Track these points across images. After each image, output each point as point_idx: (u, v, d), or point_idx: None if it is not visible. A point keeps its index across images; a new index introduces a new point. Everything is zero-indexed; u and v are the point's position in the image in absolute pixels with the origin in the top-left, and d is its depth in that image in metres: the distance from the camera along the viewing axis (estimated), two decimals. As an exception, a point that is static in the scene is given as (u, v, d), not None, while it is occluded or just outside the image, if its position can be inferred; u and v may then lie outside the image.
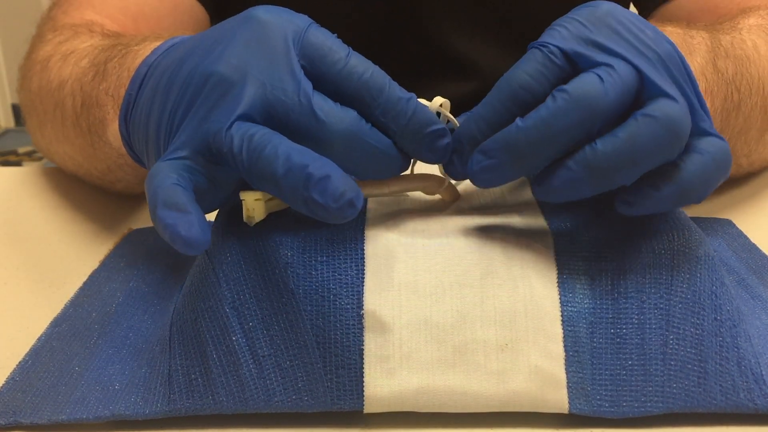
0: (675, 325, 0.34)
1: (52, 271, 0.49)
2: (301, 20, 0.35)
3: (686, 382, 0.34)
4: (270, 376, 0.34)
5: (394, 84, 0.34)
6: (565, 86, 0.32)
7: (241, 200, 0.35)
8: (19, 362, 0.38)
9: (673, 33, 0.48)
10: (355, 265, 0.35)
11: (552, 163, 0.33)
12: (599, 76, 0.32)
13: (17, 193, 0.62)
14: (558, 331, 0.34)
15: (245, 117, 0.33)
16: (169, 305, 0.42)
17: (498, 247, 0.35)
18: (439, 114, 0.36)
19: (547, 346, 0.34)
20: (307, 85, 0.33)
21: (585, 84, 0.32)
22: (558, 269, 0.35)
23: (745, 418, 0.35)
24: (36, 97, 0.57)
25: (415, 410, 0.34)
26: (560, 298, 0.35)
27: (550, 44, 0.33)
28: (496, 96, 0.34)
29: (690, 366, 0.34)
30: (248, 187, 0.35)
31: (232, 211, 0.37)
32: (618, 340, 0.34)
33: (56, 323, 0.42)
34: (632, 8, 0.75)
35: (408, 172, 0.37)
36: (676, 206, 0.34)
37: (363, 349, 0.34)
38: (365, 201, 0.39)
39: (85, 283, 0.46)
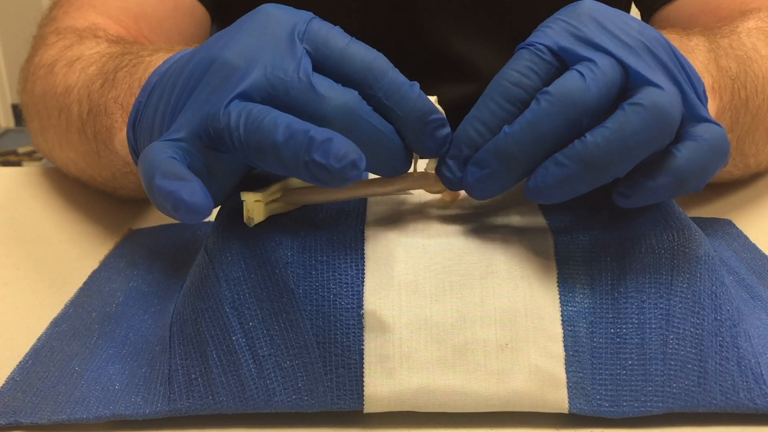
0: (675, 324, 0.34)
1: (52, 272, 0.49)
2: (306, 13, 0.35)
3: (686, 381, 0.34)
4: (270, 376, 0.34)
5: (397, 70, 0.34)
6: (547, 88, 0.32)
7: (241, 201, 0.35)
8: (19, 362, 0.38)
9: (670, 35, 0.48)
10: (355, 265, 0.35)
11: (542, 163, 0.33)
12: (580, 73, 0.32)
13: (17, 193, 0.62)
14: (558, 330, 0.34)
15: (244, 96, 0.33)
16: (169, 305, 0.42)
17: (498, 247, 0.35)
18: None
19: (547, 345, 0.34)
20: (307, 63, 0.33)
21: (566, 83, 0.32)
22: (558, 269, 0.35)
23: (745, 418, 0.35)
24: (39, 102, 0.57)
25: (415, 410, 0.34)
26: (560, 298, 0.35)
27: (536, 43, 0.34)
28: (488, 96, 0.34)
29: (690, 366, 0.34)
30: (248, 188, 0.35)
31: (232, 211, 0.37)
32: (618, 339, 0.34)
33: (56, 323, 0.42)
34: (634, 9, 0.76)
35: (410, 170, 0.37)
36: (674, 195, 0.34)
37: (363, 349, 0.34)
38: (365, 201, 0.39)
39: (85, 283, 0.46)
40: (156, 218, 0.55)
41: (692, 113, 0.34)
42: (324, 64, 0.34)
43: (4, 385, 0.37)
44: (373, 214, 0.38)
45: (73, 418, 0.35)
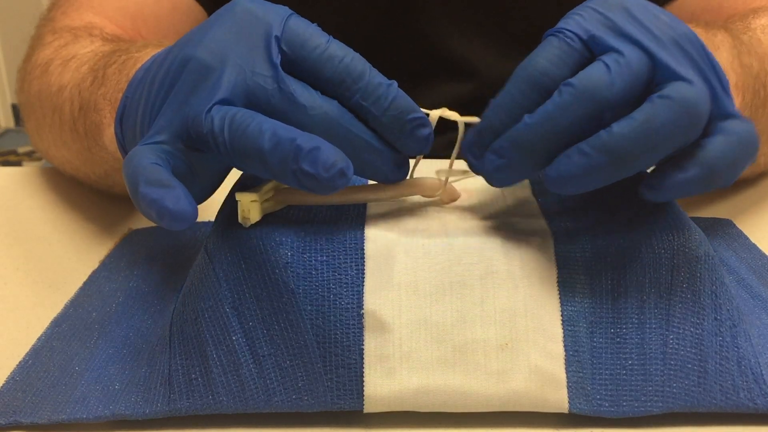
0: (675, 324, 0.34)
1: (52, 271, 0.49)
2: (283, 10, 0.35)
3: (686, 381, 0.34)
4: (270, 376, 0.34)
5: (375, 70, 0.34)
6: (571, 79, 0.32)
7: (236, 201, 0.35)
8: (19, 362, 0.38)
9: (696, 29, 0.48)
10: (355, 265, 0.35)
11: (565, 152, 0.32)
12: (607, 66, 0.32)
13: (17, 193, 0.62)
14: (558, 330, 0.34)
15: (225, 102, 0.33)
16: (169, 305, 0.42)
17: (498, 248, 0.35)
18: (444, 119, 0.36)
19: (547, 345, 0.34)
20: (285, 74, 0.33)
21: (591, 75, 0.32)
22: (558, 269, 0.35)
23: (745, 418, 0.35)
24: (35, 101, 0.57)
25: (415, 410, 0.34)
26: (560, 298, 0.35)
27: (566, 30, 0.33)
28: (514, 84, 0.33)
29: (690, 365, 0.34)
30: (242, 188, 0.35)
31: (231, 212, 0.37)
32: (618, 339, 0.34)
33: (56, 323, 0.42)
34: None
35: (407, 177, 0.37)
36: (703, 190, 0.33)
37: (363, 349, 0.34)
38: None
39: (85, 283, 0.46)
40: (156, 218, 0.55)
41: (720, 110, 0.34)
42: (301, 66, 0.34)
43: (4, 385, 0.37)
44: (373, 214, 0.38)
45: (73, 418, 0.35)
